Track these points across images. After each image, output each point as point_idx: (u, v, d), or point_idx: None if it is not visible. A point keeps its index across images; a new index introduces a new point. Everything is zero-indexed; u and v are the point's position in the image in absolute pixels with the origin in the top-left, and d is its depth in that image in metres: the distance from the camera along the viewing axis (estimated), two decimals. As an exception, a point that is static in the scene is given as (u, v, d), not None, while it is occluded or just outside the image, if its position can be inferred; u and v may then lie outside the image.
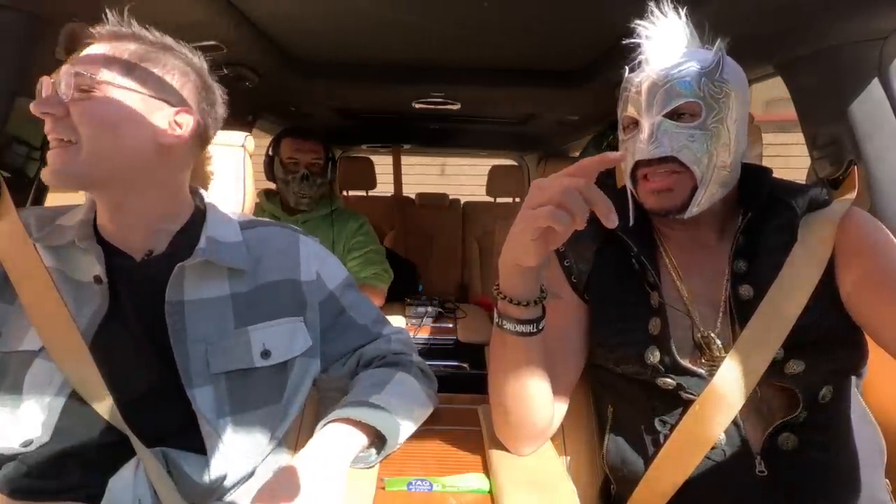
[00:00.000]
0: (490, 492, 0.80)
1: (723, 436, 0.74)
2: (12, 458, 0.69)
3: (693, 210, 0.77)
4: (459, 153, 4.94)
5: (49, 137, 0.69)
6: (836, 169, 1.04)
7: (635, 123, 0.79)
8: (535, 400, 0.79)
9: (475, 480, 0.82)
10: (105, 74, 0.69)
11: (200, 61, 0.79)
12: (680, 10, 0.78)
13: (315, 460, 0.68)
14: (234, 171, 1.04)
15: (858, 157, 1.01)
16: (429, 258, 2.98)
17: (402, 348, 0.90)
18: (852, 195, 0.83)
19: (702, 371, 0.76)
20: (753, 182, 0.82)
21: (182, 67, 0.76)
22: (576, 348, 0.86)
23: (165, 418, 0.72)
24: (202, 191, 0.86)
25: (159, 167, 0.74)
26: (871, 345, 0.76)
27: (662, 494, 0.75)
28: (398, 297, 2.34)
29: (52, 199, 1.02)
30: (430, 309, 2.30)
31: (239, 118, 1.96)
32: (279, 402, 0.78)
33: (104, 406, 0.68)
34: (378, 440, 0.76)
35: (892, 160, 1.00)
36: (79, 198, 0.81)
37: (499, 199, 3.19)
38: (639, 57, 0.80)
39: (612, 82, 1.12)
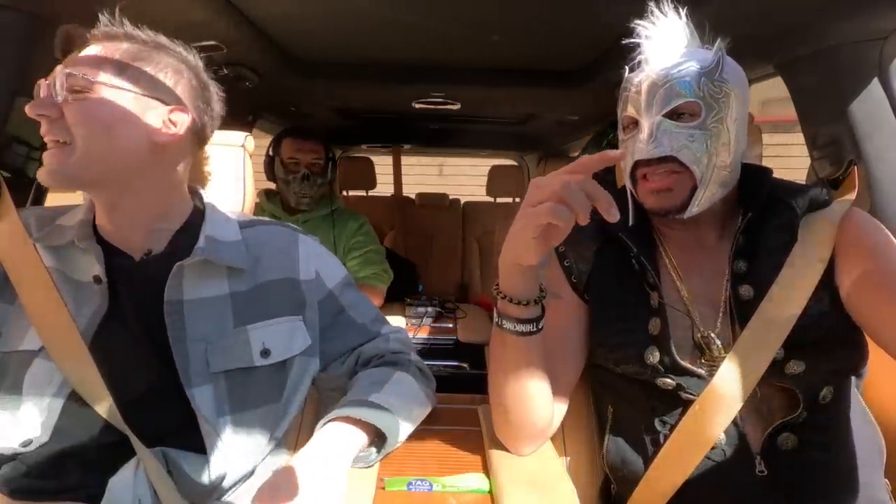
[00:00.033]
0: (490, 492, 0.80)
1: (723, 436, 0.74)
2: (12, 458, 0.69)
3: (693, 210, 0.77)
4: (459, 153, 4.94)
5: (45, 139, 0.69)
6: (836, 169, 1.04)
7: (635, 123, 0.79)
8: (535, 400, 0.79)
9: (475, 480, 0.82)
10: (97, 75, 0.69)
11: (195, 59, 0.79)
12: (680, 9, 0.78)
13: (316, 459, 0.68)
14: (233, 171, 1.04)
15: (858, 157, 1.01)
16: (429, 258, 2.98)
17: (401, 347, 0.90)
18: (852, 195, 0.83)
19: (702, 371, 0.76)
20: (753, 182, 0.82)
21: (176, 65, 0.75)
22: (576, 348, 0.86)
23: (165, 418, 0.72)
24: (201, 190, 0.86)
25: (155, 166, 0.74)
26: (872, 345, 0.76)
27: (662, 494, 0.75)
28: (398, 297, 2.34)
29: (52, 199, 1.02)
30: (430, 309, 2.30)
31: (239, 118, 1.96)
32: (279, 401, 0.78)
33: (104, 406, 0.68)
34: (378, 439, 0.76)
35: (892, 160, 1.00)
36: (78, 198, 0.81)
37: (499, 199, 3.19)
38: (639, 57, 0.80)
39: (612, 82, 1.12)
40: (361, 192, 3.16)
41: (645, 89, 0.77)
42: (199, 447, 0.71)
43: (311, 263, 0.85)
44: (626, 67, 0.82)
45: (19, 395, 0.68)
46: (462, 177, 6.04)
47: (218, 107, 0.82)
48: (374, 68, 1.64)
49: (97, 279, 0.72)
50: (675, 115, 0.75)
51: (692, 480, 0.74)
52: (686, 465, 0.74)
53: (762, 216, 0.80)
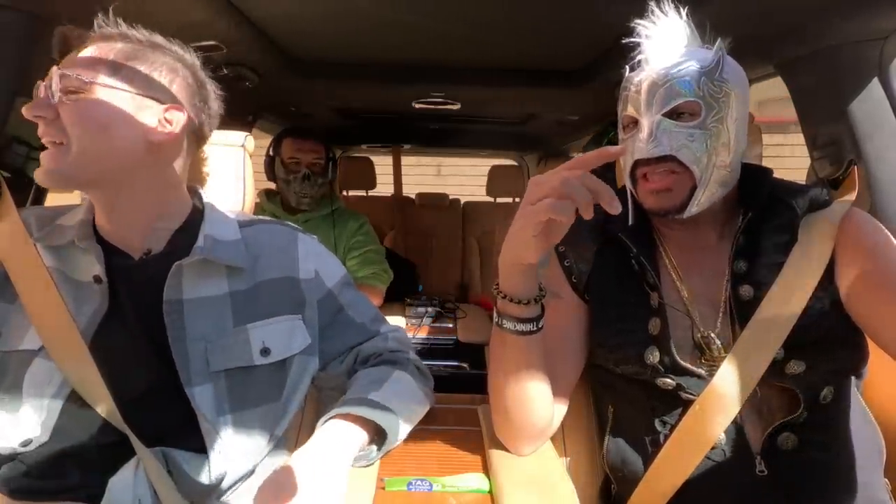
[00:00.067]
0: (490, 492, 0.80)
1: (723, 436, 0.73)
2: (11, 457, 0.69)
3: (692, 210, 0.77)
4: (459, 153, 4.94)
5: (42, 140, 0.69)
6: (836, 169, 1.04)
7: (635, 123, 0.79)
8: (535, 399, 0.79)
9: (475, 480, 0.82)
10: (91, 75, 0.69)
11: (192, 58, 0.79)
12: (681, 9, 0.78)
13: (317, 456, 0.68)
14: (233, 171, 1.04)
15: (858, 156, 1.01)
16: (429, 258, 2.98)
17: (399, 346, 0.91)
18: (852, 196, 0.83)
19: (702, 371, 0.76)
20: (753, 182, 0.82)
21: (171, 64, 0.75)
22: (576, 348, 0.86)
23: (165, 418, 0.72)
24: (201, 190, 0.86)
25: (151, 165, 0.74)
26: (872, 345, 0.76)
27: (663, 494, 0.75)
28: (398, 297, 2.34)
29: (52, 199, 1.02)
30: (429, 309, 2.30)
31: (239, 118, 1.96)
32: (278, 399, 0.78)
33: (104, 406, 0.68)
34: (378, 437, 0.76)
35: (892, 160, 1.00)
36: (77, 197, 0.81)
37: (499, 199, 3.19)
38: (639, 56, 0.80)
39: (612, 82, 1.12)
40: (361, 192, 3.15)
41: (645, 89, 0.77)
42: (199, 447, 0.71)
43: (311, 262, 0.85)
44: (627, 67, 0.82)
45: (19, 395, 0.68)
46: (460, 177, 6.04)
47: (216, 105, 0.82)
48: (374, 68, 1.64)
49: (97, 279, 0.72)
50: (674, 114, 0.75)
51: (692, 480, 0.74)
52: (686, 465, 0.74)
53: (762, 216, 0.80)
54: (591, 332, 0.86)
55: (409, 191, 3.32)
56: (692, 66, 0.75)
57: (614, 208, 0.60)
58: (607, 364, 0.83)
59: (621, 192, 0.83)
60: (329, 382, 0.89)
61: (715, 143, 0.75)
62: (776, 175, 0.84)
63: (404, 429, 0.79)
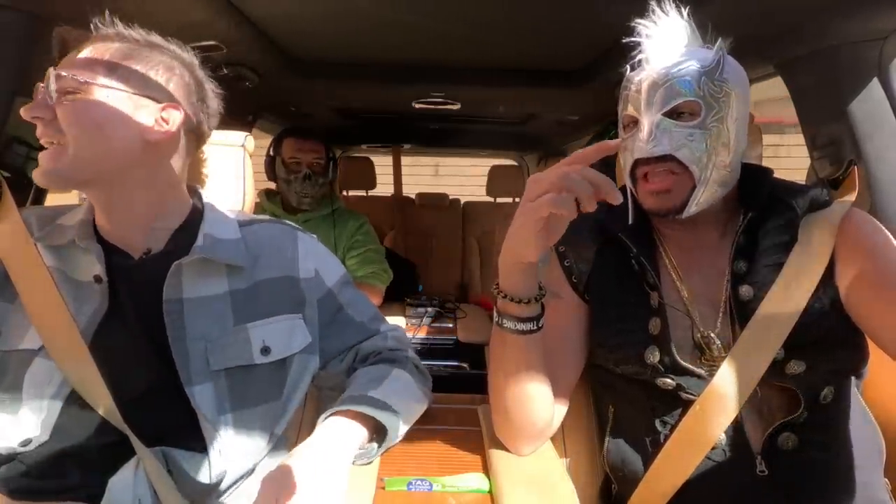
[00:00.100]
0: (490, 492, 0.80)
1: (723, 436, 0.73)
2: (11, 457, 0.69)
3: (691, 210, 0.77)
4: (458, 153, 4.94)
5: (41, 140, 0.70)
6: (836, 169, 1.04)
7: (635, 122, 0.79)
8: (535, 399, 0.79)
9: (475, 480, 0.82)
10: (87, 75, 0.69)
11: (190, 56, 0.79)
12: (682, 9, 0.78)
13: (318, 452, 0.68)
14: (233, 171, 1.04)
15: (858, 157, 1.01)
16: (429, 258, 2.98)
17: (398, 345, 0.91)
18: (852, 196, 0.83)
19: (702, 371, 0.76)
20: (754, 182, 0.82)
21: (167, 63, 0.75)
22: (576, 348, 0.86)
23: (165, 417, 0.72)
24: (200, 189, 0.86)
25: (148, 164, 0.74)
26: (872, 345, 0.76)
27: (663, 494, 0.75)
28: (398, 297, 2.34)
29: (51, 199, 1.02)
30: (429, 309, 2.30)
31: (239, 118, 1.96)
32: (279, 398, 0.78)
33: (103, 405, 0.68)
34: (378, 435, 0.77)
35: (892, 160, 1.00)
36: (74, 197, 0.81)
37: (499, 199, 3.19)
38: (639, 56, 0.80)
39: (612, 82, 1.12)
40: (361, 192, 3.15)
41: (645, 88, 0.77)
42: (199, 446, 0.71)
43: (311, 262, 0.85)
44: (627, 67, 0.82)
45: (19, 395, 0.68)
46: (458, 177, 6.04)
47: (214, 103, 0.82)
48: (374, 68, 1.64)
49: (97, 278, 0.72)
50: (674, 114, 0.75)
51: (692, 480, 0.74)
52: (686, 465, 0.74)
53: (762, 216, 0.80)
54: (591, 332, 0.86)
55: (406, 191, 3.32)
56: (692, 65, 0.75)
57: (615, 198, 0.60)
58: (607, 364, 0.83)
59: (621, 193, 0.84)
60: (328, 382, 0.89)
61: (715, 142, 0.75)
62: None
63: (404, 426, 0.79)
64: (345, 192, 3.13)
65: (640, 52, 0.79)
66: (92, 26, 0.73)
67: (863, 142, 1.00)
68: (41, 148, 0.70)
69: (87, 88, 0.69)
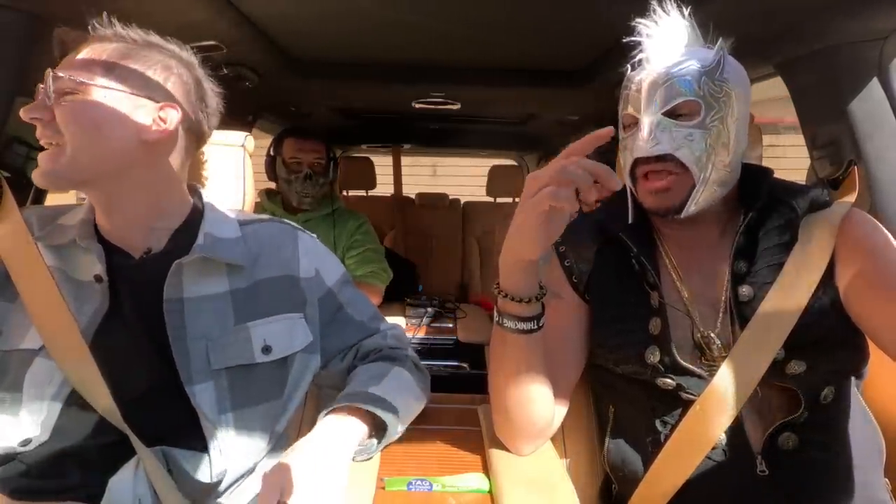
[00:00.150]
0: (490, 492, 0.80)
1: (723, 436, 0.73)
2: (11, 457, 0.69)
3: (690, 209, 0.77)
4: (458, 153, 4.94)
5: (40, 141, 0.70)
6: (836, 169, 1.04)
7: (635, 122, 0.79)
8: (536, 399, 0.79)
9: (475, 480, 0.82)
10: (85, 76, 0.69)
11: (188, 56, 0.79)
12: (682, 9, 0.78)
13: (319, 447, 0.68)
14: (233, 171, 1.04)
15: (858, 157, 1.01)
16: (429, 258, 2.98)
17: (398, 343, 0.91)
18: (852, 196, 0.83)
19: (702, 371, 0.76)
20: (754, 182, 0.82)
21: (165, 62, 0.75)
22: (576, 348, 0.86)
23: (165, 417, 0.72)
24: (201, 189, 0.86)
25: (147, 163, 0.74)
26: (872, 345, 0.76)
27: (663, 494, 0.75)
28: (398, 297, 2.34)
29: (51, 199, 1.02)
30: (429, 309, 2.30)
31: (239, 118, 1.96)
32: (280, 397, 0.78)
33: (104, 405, 0.68)
34: (377, 431, 0.77)
35: (892, 160, 1.00)
36: (73, 198, 0.81)
37: (499, 199, 3.19)
38: (640, 55, 0.80)
39: (612, 82, 1.12)
40: (361, 192, 3.15)
41: (645, 88, 0.77)
42: (200, 445, 0.71)
43: (311, 261, 0.85)
44: (628, 66, 0.82)
45: (19, 395, 0.68)
46: (456, 177, 6.03)
47: (214, 102, 0.82)
48: (374, 68, 1.64)
49: (98, 278, 0.72)
50: (674, 113, 0.75)
51: (693, 480, 0.74)
52: (687, 466, 0.74)
53: (763, 216, 0.80)
54: (591, 332, 0.86)
55: (405, 191, 3.32)
56: (693, 65, 0.75)
57: (615, 185, 0.60)
58: (607, 364, 0.83)
59: (621, 192, 0.84)
60: (328, 380, 0.89)
61: (714, 142, 0.75)
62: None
63: (403, 423, 0.80)
64: (345, 192, 3.13)
65: (640, 51, 0.79)
66: (90, 27, 0.73)
67: (863, 142, 1.00)
68: (41, 148, 0.70)
69: (85, 89, 0.69)
